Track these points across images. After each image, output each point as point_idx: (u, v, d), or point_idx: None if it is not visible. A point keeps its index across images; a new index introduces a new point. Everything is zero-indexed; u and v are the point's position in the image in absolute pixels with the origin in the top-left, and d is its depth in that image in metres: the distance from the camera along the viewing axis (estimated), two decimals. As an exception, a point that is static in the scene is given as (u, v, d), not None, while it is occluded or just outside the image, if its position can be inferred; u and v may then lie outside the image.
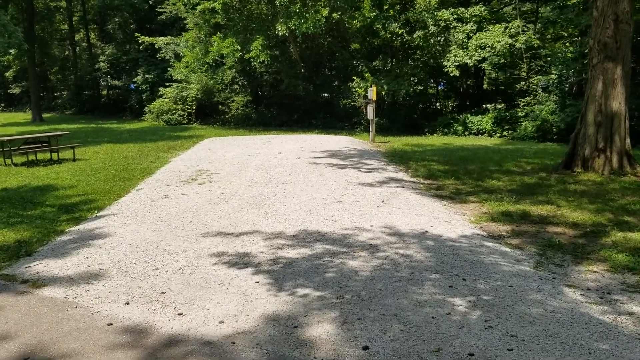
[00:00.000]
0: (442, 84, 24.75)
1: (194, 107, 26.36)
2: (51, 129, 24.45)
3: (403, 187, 9.21)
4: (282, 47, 24.64)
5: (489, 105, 25.64)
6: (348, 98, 23.85)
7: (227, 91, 26.85)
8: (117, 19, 32.64)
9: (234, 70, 25.77)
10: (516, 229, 6.48)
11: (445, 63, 20.10)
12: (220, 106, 26.64)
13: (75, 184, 10.04)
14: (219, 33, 21.73)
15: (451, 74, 19.88)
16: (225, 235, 6.25)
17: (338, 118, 23.97)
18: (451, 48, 20.42)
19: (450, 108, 25.49)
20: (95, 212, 7.78)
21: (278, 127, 23.93)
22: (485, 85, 26.24)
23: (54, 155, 13.98)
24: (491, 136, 20.34)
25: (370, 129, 17.94)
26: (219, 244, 5.87)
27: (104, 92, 35.72)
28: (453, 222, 6.79)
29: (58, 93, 41.75)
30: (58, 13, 33.97)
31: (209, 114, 26.73)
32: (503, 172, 10.93)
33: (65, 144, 15.09)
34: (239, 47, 20.68)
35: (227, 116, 26.08)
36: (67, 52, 38.18)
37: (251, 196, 8.56)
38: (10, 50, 28.32)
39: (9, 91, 41.00)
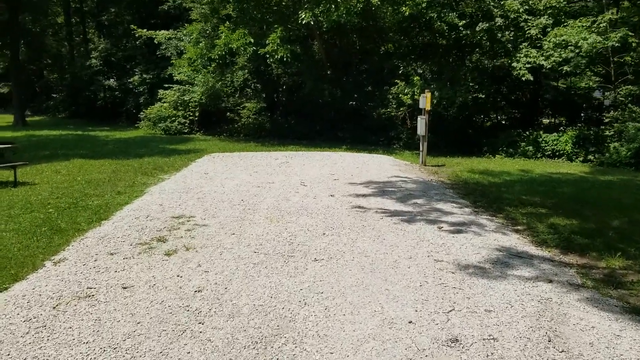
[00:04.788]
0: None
1: (197, 114, 22.03)
2: (27, 136, 20.56)
3: (551, 282, 4.76)
4: (305, 45, 20.36)
5: (552, 120, 21.16)
6: (384, 107, 19.41)
7: (237, 95, 22.50)
8: (113, 9, 28.37)
9: (245, 71, 21.53)
10: None
11: (514, 64, 15.69)
12: (228, 113, 22.27)
13: (-27, 238, 5.89)
14: (227, 23, 17.50)
15: (523, 79, 15.48)
16: None
17: (371, 131, 19.49)
18: (521, 47, 16.03)
19: (503, 122, 21.01)
20: None
21: (297, 141, 19.42)
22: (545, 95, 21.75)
23: (-7, 177, 9.91)
24: (571, 160, 15.83)
25: (421, 149, 13.53)
26: None
27: (101, 95, 31.59)
28: None
29: (56, 95, 37.69)
30: (50, 3, 29.73)
31: (214, 122, 22.34)
32: (684, 237, 6.46)
33: (21, 159, 10.99)
34: (252, 40, 16.44)
35: (235, 125, 21.72)
36: (63, 49, 34.09)
37: (254, 307, 4.18)
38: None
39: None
